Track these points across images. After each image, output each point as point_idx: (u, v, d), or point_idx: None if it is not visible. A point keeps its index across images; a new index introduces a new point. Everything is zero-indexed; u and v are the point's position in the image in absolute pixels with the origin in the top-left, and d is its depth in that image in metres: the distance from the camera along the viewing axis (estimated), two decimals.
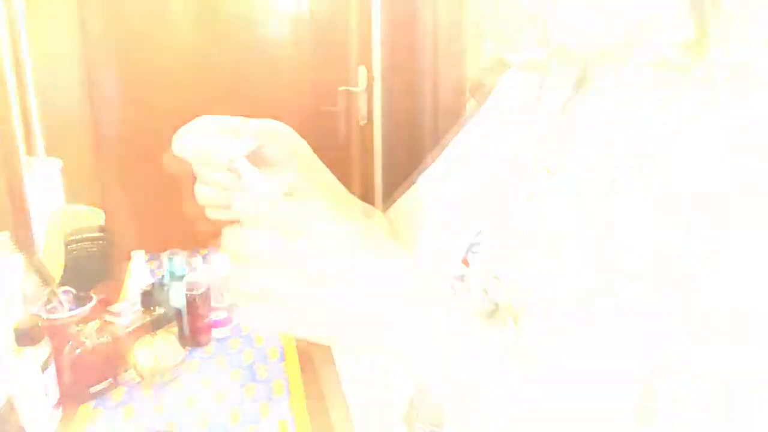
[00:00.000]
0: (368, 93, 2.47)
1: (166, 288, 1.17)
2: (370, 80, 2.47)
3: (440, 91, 2.05)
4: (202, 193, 0.54)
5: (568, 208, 0.51)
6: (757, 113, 0.46)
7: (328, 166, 0.66)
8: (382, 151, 2.62)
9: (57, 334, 1.00)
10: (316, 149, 0.64)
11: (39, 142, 1.78)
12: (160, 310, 1.14)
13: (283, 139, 0.60)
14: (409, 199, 0.81)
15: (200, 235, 0.48)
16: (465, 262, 0.61)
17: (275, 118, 0.60)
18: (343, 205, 0.68)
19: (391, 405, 0.67)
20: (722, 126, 0.46)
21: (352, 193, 0.70)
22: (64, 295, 1.08)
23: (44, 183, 1.39)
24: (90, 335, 0.98)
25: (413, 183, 0.82)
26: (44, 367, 0.89)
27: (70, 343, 0.97)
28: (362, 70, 2.45)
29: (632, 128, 0.51)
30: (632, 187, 0.48)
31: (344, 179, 0.69)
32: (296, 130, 0.62)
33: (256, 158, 0.56)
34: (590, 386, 0.48)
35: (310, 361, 1.13)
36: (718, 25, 0.49)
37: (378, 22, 2.50)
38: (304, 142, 0.62)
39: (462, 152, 0.71)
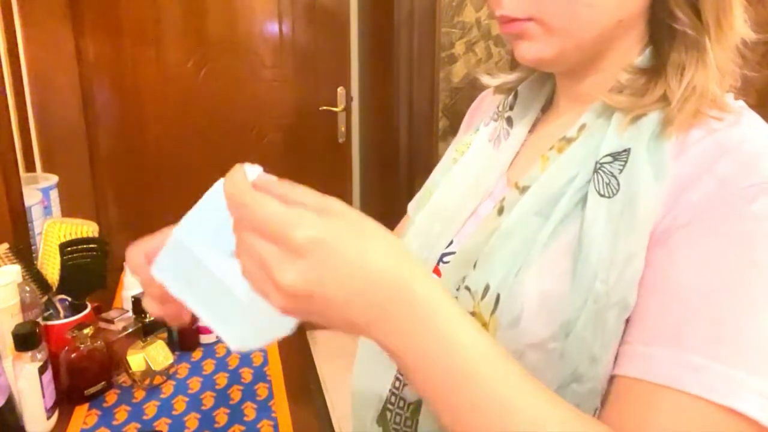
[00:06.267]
0: (346, 113, 2.53)
1: None
2: (348, 101, 2.54)
3: (414, 111, 2.10)
4: None
5: (535, 222, 0.53)
6: (710, 137, 0.48)
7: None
8: (359, 167, 2.68)
9: (54, 339, 1.04)
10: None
11: (37, 158, 1.81)
12: (150, 317, 1.14)
13: None
14: (403, 226, 0.81)
15: None
16: (437, 272, 0.62)
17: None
18: None
19: (368, 407, 0.67)
20: (676, 149, 0.48)
21: None
22: (61, 303, 1.12)
23: (42, 197, 1.40)
24: (85, 340, 1.00)
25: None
26: (42, 370, 0.91)
27: (67, 348, 1.00)
28: (341, 91, 2.51)
29: (593, 147, 0.52)
30: (595, 202, 0.49)
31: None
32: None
33: None
34: (558, 389, 0.49)
35: (292, 365, 1.15)
36: (674, 54, 0.51)
37: (356, 46, 2.57)
38: None
39: (441, 171, 0.71)
